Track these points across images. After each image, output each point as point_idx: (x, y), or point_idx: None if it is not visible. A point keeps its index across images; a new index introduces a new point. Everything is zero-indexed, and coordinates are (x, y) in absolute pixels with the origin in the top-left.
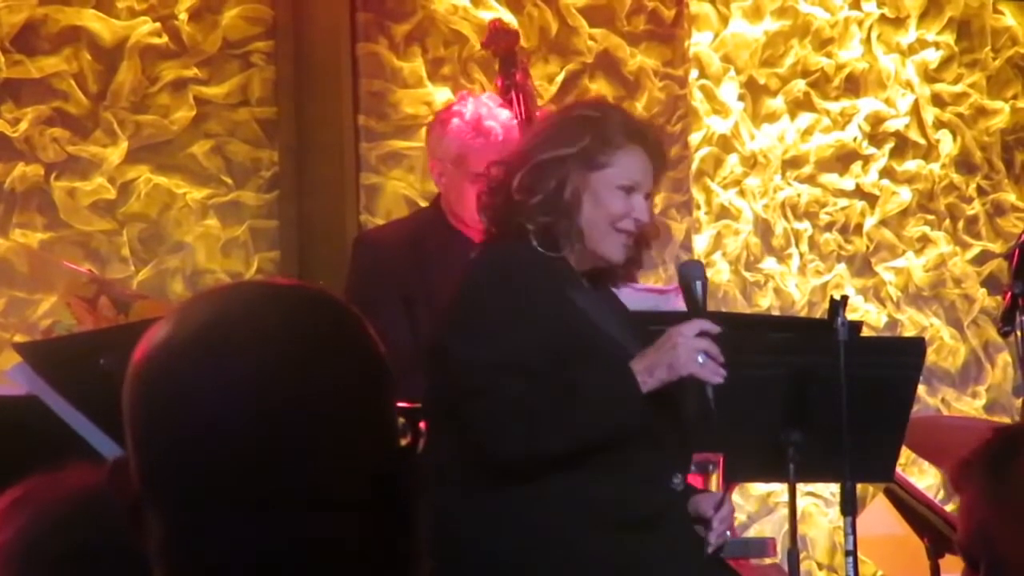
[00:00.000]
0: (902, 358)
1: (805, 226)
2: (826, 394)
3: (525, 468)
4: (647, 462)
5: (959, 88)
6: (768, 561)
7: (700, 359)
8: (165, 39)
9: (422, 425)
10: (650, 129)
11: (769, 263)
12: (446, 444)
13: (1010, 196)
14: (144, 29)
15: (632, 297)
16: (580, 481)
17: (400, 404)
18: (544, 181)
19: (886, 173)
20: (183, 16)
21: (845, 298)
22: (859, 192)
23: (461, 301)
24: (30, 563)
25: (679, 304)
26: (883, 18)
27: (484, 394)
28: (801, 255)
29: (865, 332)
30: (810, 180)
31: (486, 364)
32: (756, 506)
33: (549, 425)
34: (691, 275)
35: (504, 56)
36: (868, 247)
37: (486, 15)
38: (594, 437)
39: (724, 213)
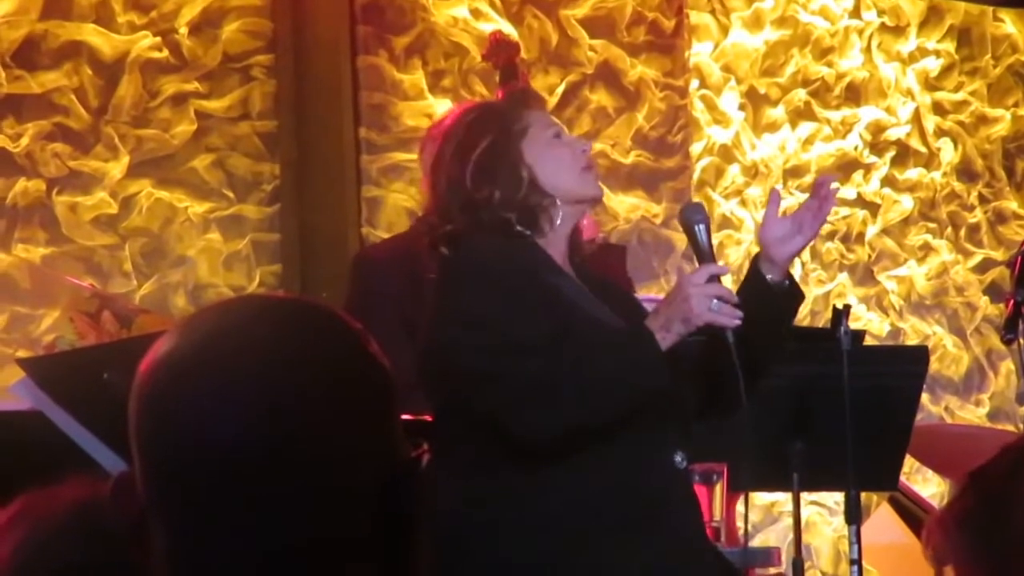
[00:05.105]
0: (905, 367)
1: None
2: (829, 403)
3: (552, 445)
4: (648, 442)
5: (960, 96)
6: (773, 571)
7: (714, 305)
8: (165, 53)
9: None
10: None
11: None
12: (442, 446)
13: (1012, 204)
14: (144, 43)
15: None
16: (579, 468)
17: (405, 417)
18: (495, 170)
19: (887, 182)
20: (183, 30)
21: (848, 307)
22: (861, 201)
23: (447, 297)
24: None
25: None
26: (883, 27)
27: (498, 378)
28: (803, 264)
29: (868, 341)
30: (811, 189)
31: (491, 348)
32: (760, 516)
33: (572, 397)
34: (692, 219)
35: (505, 68)
36: (870, 256)
37: (486, 27)
38: (620, 403)
39: (726, 223)
